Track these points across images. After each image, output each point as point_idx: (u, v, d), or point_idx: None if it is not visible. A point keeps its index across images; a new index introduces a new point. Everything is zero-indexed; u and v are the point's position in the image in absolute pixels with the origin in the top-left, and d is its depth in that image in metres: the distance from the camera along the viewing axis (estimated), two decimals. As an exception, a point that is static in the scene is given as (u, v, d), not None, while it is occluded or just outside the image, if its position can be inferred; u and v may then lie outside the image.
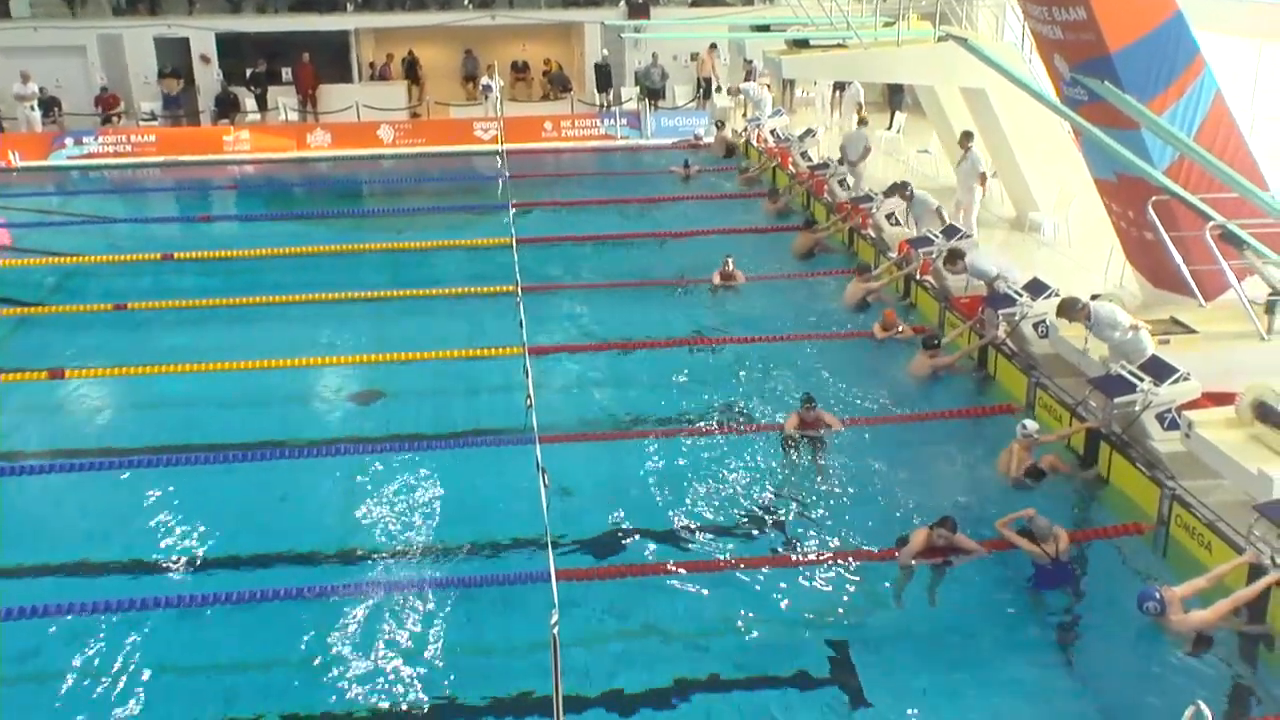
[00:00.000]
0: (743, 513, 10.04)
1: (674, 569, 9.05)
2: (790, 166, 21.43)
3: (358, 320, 15.19)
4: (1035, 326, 11.78)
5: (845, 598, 8.76)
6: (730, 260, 15.89)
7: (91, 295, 16.07)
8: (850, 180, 18.65)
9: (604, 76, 29.39)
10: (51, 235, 20.86)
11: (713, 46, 29.25)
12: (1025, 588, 8.77)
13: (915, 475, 10.63)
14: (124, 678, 7.92)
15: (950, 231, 14.19)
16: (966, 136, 16.01)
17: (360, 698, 7.71)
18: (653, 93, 28.88)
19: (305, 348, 13.97)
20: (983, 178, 15.80)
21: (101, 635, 8.32)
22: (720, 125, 26.16)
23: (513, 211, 14.69)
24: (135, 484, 10.65)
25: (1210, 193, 11.08)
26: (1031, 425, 10.05)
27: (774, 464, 10.90)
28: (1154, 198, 11.44)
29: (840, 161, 19.19)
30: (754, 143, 24.54)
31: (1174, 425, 9.37)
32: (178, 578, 9.18)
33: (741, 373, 13.14)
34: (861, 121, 19.62)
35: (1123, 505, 9.62)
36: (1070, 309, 10.38)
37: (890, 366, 13.22)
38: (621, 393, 12.80)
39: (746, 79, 28.80)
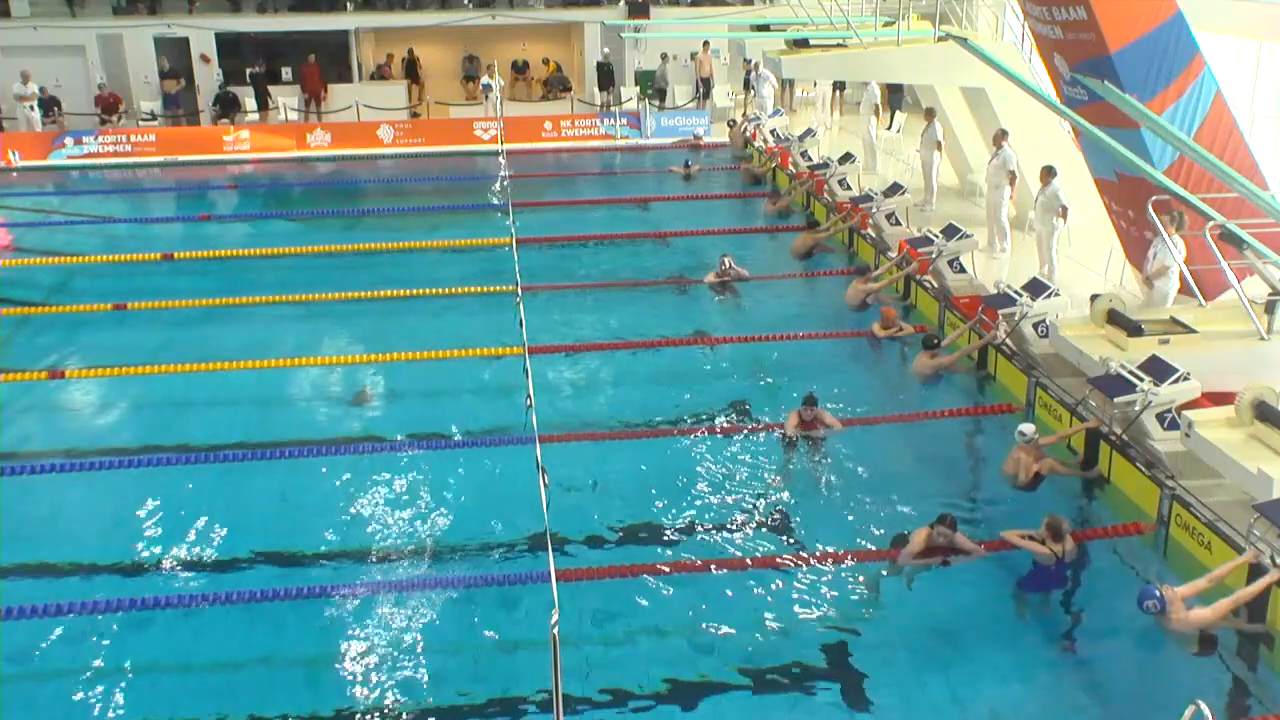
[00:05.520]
0: (743, 513, 10.04)
1: (674, 569, 9.05)
2: (790, 166, 21.44)
3: (358, 320, 15.19)
4: (1035, 326, 11.78)
5: (845, 598, 8.77)
6: (727, 259, 15.89)
7: (91, 295, 16.06)
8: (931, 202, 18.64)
9: (605, 76, 29.40)
10: (51, 235, 20.88)
11: (706, 45, 29.26)
12: (1015, 588, 8.77)
13: (915, 475, 10.65)
14: (124, 678, 7.93)
15: (950, 231, 14.19)
16: (1001, 135, 16.01)
17: (360, 697, 7.71)
18: (661, 93, 28.93)
19: (305, 348, 13.99)
20: (1012, 176, 15.81)
21: (101, 635, 8.33)
22: (733, 124, 26.21)
23: (513, 211, 14.71)
24: (135, 484, 10.66)
25: (1210, 193, 11.08)
26: (1029, 429, 10.04)
27: (774, 464, 10.91)
28: (1154, 198, 11.45)
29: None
30: (753, 142, 24.56)
31: (1174, 425, 9.37)
32: (178, 578, 9.17)
33: (741, 373, 13.15)
34: (930, 110, 19.29)
35: (1123, 505, 9.62)
36: None
37: (890, 366, 13.24)
38: (621, 393, 12.81)
39: (747, 78, 28.91)
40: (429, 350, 13.30)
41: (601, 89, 29.31)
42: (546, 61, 31.95)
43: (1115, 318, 10.81)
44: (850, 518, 9.85)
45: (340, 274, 17.11)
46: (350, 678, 7.91)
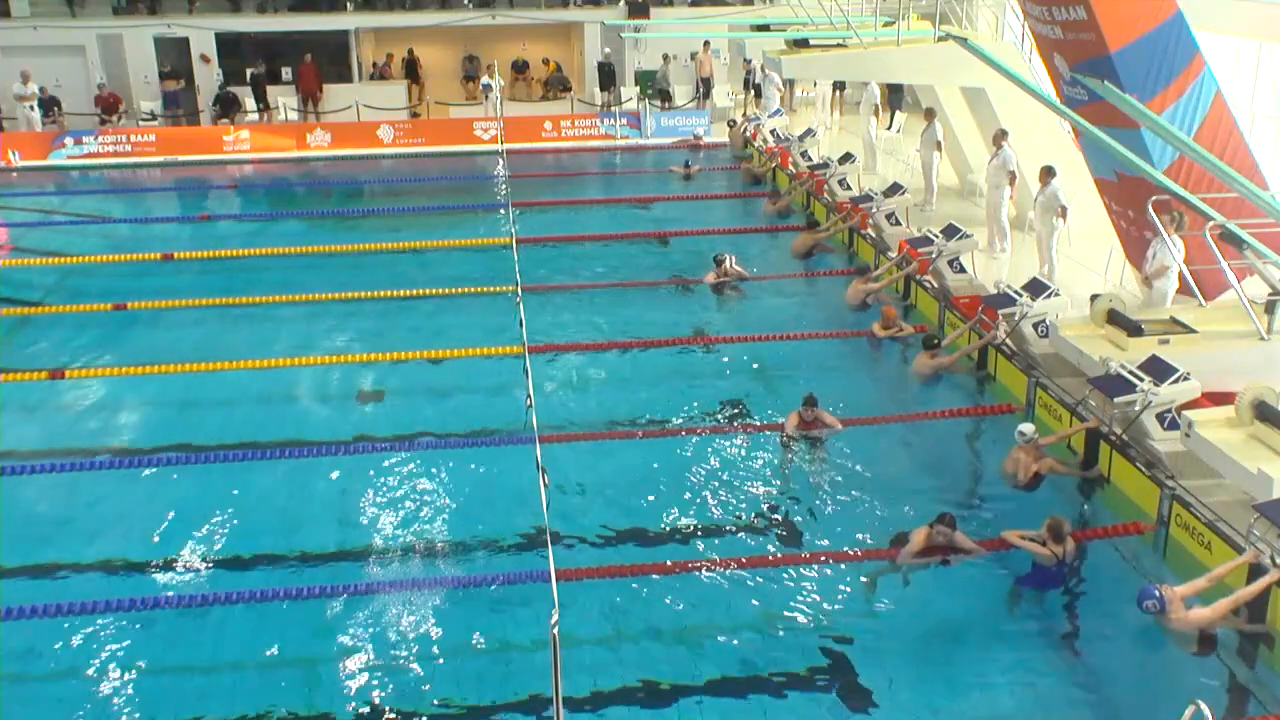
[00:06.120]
0: (743, 513, 10.04)
1: (674, 569, 9.05)
2: (790, 166, 21.44)
3: (358, 320, 15.19)
4: (1035, 326, 11.78)
5: (845, 598, 8.77)
6: (726, 259, 15.88)
7: (91, 295, 16.05)
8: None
9: (607, 76, 29.41)
10: (51, 235, 20.88)
11: (706, 45, 29.29)
12: (1013, 587, 8.78)
13: (915, 475, 10.65)
14: (124, 678, 7.93)
15: (950, 231, 14.19)
16: (1001, 135, 16.02)
17: (360, 697, 7.71)
18: (663, 94, 28.96)
19: (305, 348, 13.99)
20: (1012, 176, 15.81)
21: (101, 635, 8.32)
22: (733, 124, 26.24)
23: (513, 211, 14.71)
24: (135, 484, 10.66)
25: (1210, 193, 11.08)
26: (1029, 429, 10.04)
27: (774, 464, 10.91)
28: (1154, 198, 11.45)
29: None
30: (753, 142, 24.57)
31: (1174, 425, 9.37)
32: (178, 577, 9.18)
33: (741, 373, 13.15)
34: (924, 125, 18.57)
35: (1123, 505, 9.62)
36: None
37: (890, 366, 13.24)
38: (621, 393, 12.81)
39: (747, 77, 28.96)
40: (429, 350, 13.31)
41: (603, 89, 29.32)
42: (546, 61, 31.96)
43: (1115, 318, 10.81)
44: (850, 518, 9.85)
45: (340, 274, 17.11)
46: (350, 678, 7.91)
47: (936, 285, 14.26)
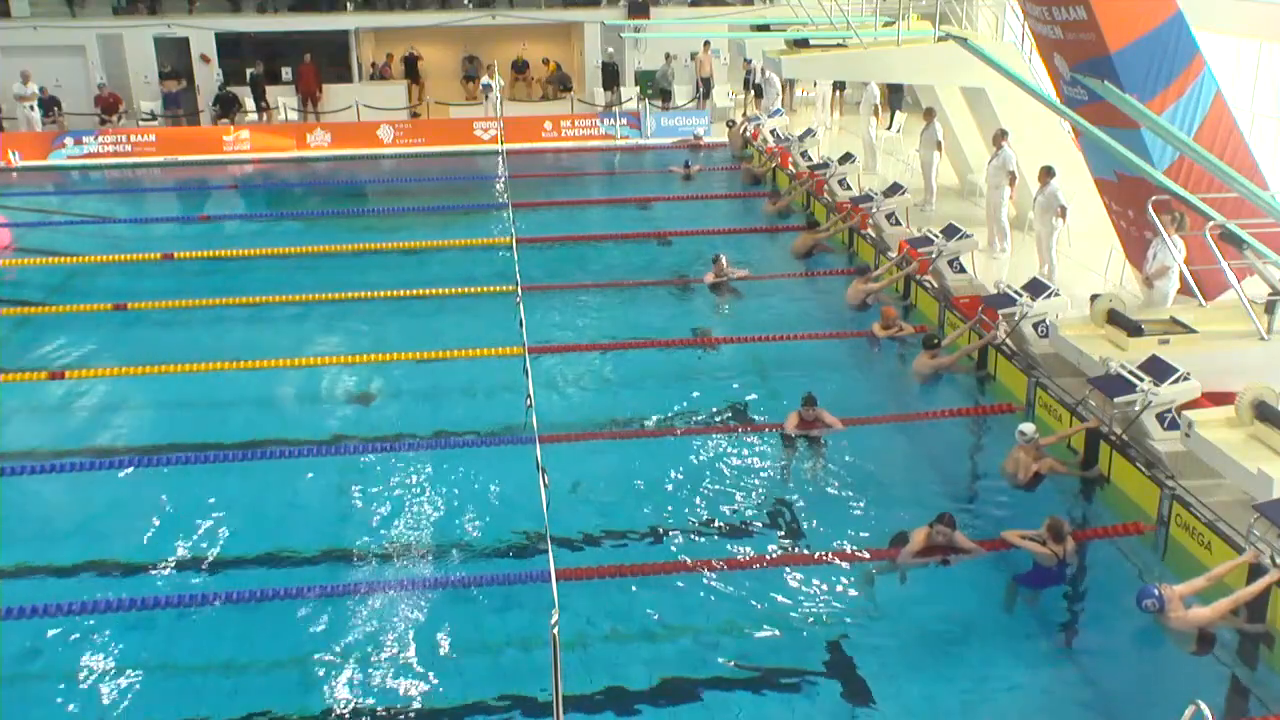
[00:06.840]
0: (742, 513, 10.04)
1: (674, 569, 9.05)
2: (790, 166, 21.44)
3: (358, 320, 15.19)
4: (1035, 326, 11.78)
5: (845, 597, 8.77)
6: (723, 259, 15.89)
7: (91, 295, 16.06)
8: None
9: (610, 75, 29.42)
10: (51, 235, 20.88)
11: (706, 45, 29.30)
12: (1014, 586, 8.78)
13: (916, 475, 10.64)
14: (124, 678, 7.92)
15: (950, 231, 14.19)
16: (1001, 135, 16.00)
17: (360, 698, 7.71)
18: (665, 93, 28.98)
19: (305, 348, 13.99)
20: (1012, 177, 15.80)
21: (101, 635, 8.32)
22: (732, 124, 26.25)
23: (513, 211, 14.71)
24: (135, 484, 10.66)
25: (1210, 193, 11.08)
26: (1029, 428, 10.04)
27: (774, 464, 10.91)
28: (1154, 198, 11.45)
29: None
30: (754, 142, 24.58)
31: (1174, 425, 9.37)
32: (178, 577, 9.17)
33: (741, 373, 13.14)
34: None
35: (1123, 505, 9.62)
36: None
37: (890, 366, 13.24)
38: (621, 393, 12.80)
39: (747, 78, 28.96)
40: (429, 350, 13.31)
41: (606, 88, 29.33)
42: (546, 61, 31.97)
43: (1115, 318, 10.81)
44: (850, 518, 9.85)
45: (340, 274, 17.11)
46: (350, 678, 7.91)
47: (936, 285, 14.26)
